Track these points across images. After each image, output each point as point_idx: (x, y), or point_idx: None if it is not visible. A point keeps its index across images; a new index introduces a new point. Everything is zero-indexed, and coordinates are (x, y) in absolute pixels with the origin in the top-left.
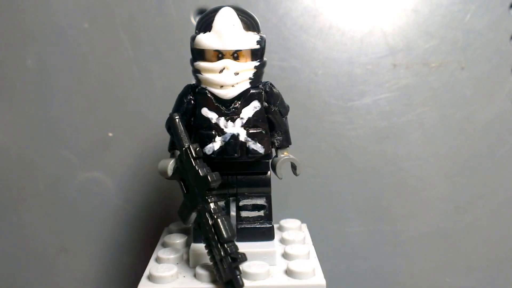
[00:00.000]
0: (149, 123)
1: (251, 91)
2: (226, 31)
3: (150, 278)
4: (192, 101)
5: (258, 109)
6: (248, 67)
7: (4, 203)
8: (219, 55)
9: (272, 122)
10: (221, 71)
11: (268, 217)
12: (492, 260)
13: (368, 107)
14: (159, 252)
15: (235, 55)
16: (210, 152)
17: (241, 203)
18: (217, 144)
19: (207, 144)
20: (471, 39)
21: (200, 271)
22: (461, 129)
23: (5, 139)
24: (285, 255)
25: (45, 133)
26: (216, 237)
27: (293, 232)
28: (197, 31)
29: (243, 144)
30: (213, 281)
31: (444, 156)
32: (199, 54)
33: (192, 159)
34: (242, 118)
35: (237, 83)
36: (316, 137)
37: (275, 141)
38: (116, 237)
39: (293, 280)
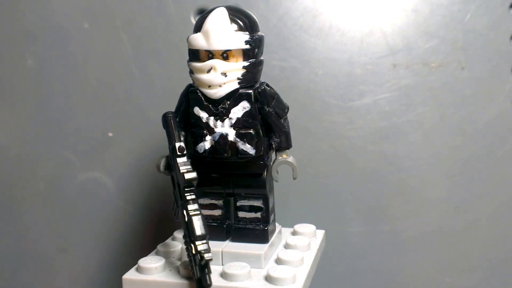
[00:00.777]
0: (149, 123)
1: (240, 91)
2: (213, 31)
3: (138, 269)
4: (187, 100)
5: (247, 109)
6: (236, 67)
7: (4, 203)
8: (209, 55)
9: (269, 123)
10: (208, 71)
11: (265, 220)
12: (492, 260)
13: (368, 107)
14: (159, 245)
15: (225, 55)
16: (202, 151)
17: (238, 203)
18: (207, 143)
19: (198, 143)
20: (471, 39)
21: (181, 266)
22: (461, 129)
23: (5, 139)
24: (277, 260)
25: (45, 133)
26: (188, 234)
27: (301, 237)
28: (193, 31)
29: (233, 144)
30: (190, 277)
31: (444, 156)
32: (193, 54)
33: (176, 157)
34: (231, 118)
35: (224, 83)
36: (316, 137)
37: (273, 143)
38: (116, 237)
39: (269, 285)
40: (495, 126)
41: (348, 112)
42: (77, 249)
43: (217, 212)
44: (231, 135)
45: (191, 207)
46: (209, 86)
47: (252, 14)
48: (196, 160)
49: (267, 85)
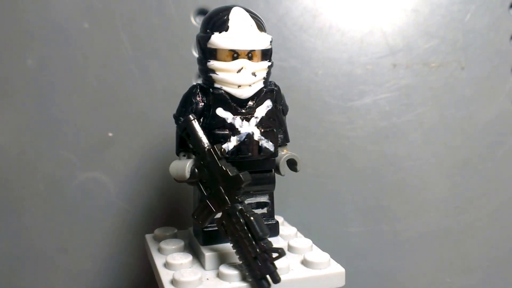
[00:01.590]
0: (149, 123)
1: (265, 90)
2: (244, 31)
3: (175, 283)
4: (202, 102)
5: (270, 108)
6: (262, 67)
7: (4, 203)
8: (234, 54)
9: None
10: (239, 71)
11: (271, 214)
12: (492, 260)
13: (368, 107)
14: (168, 258)
15: (249, 55)
16: (225, 152)
17: (245, 202)
18: (232, 143)
19: (222, 144)
20: (471, 39)
21: (225, 271)
22: (461, 129)
23: (5, 139)
24: (290, 249)
25: (45, 133)
26: (250, 235)
27: (283, 228)
28: (208, 30)
29: (257, 143)
30: (242, 279)
31: (444, 156)
32: (211, 53)
33: (218, 160)
34: (256, 117)
35: (253, 83)
36: (316, 137)
37: (278, 139)
38: (116, 237)
39: (313, 271)
40: (495, 126)
41: (348, 112)
42: (77, 249)
43: None
44: (256, 134)
45: (246, 208)
46: (239, 86)
47: None
48: None
49: (275, 84)
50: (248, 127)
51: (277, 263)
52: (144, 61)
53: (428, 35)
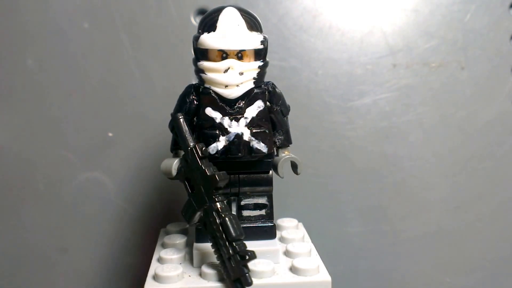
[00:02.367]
0: (149, 123)
1: (255, 90)
2: (231, 31)
3: (156, 278)
4: (195, 101)
5: (261, 108)
6: (252, 67)
7: (4, 203)
8: (223, 55)
9: (274, 121)
10: (225, 70)
11: (270, 216)
12: (492, 260)
13: (368, 107)
14: (161, 252)
15: (239, 55)
16: (214, 152)
17: (242, 202)
18: (221, 143)
19: (211, 144)
20: (471, 39)
21: (206, 270)
22: (461, 129)
23: (5, 139)
24: (287, 253)
25: (45, 133)
26: (224, 235)
27: (292, 231)
28: (200, 31)
29: (247, 143)
30: (220, 279)
31: (444, 156)
32: (202, 54)
33: (198, 159)
34: (246, 118)
35: (241, 83)
36: (316, 137)
37: (276, 140)
38: (116, 237)
39: (298, 277)
40: (495, 126)
41: (348, 112)
42: (77, 249)
43: None
44: (246, 134)
45: (222, 208)
46: (226, 86)
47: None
48: None
49: (274, 84)
50: (237, 127)
51: (262, 266)
52: (144, 61)
53: (428, 35)
